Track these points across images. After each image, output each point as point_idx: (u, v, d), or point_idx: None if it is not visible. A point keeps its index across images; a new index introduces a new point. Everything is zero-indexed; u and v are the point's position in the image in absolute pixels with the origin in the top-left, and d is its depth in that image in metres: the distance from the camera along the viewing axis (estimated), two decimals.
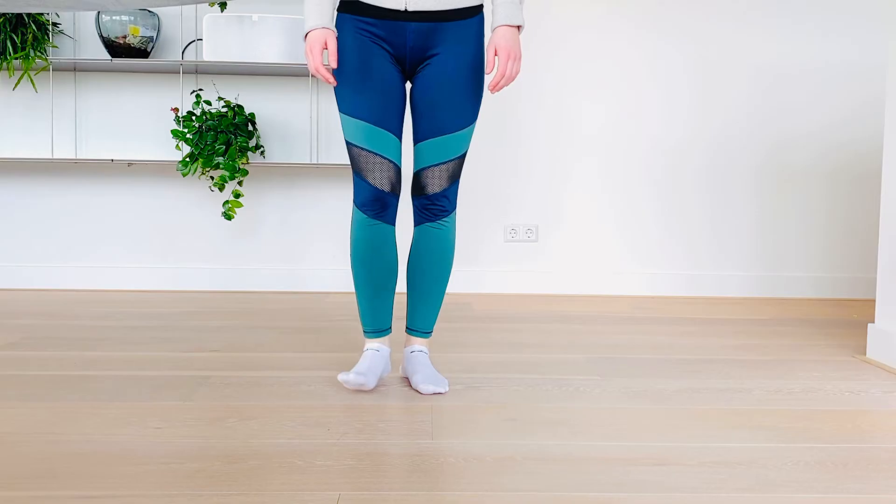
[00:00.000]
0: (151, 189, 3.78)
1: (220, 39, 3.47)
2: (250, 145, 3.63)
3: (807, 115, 3.84)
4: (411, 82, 1.96)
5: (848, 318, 3.25)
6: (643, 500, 1.33)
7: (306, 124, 3.79)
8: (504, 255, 3.85)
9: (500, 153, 3.81)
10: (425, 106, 1.91)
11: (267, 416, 1.77)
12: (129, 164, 3.68)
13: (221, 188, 3.48)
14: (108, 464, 1.46)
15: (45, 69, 3.63)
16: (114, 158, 3.66)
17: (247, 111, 3.75)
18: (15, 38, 3.41)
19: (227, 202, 3.49)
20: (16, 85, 3.53)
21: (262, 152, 3.74)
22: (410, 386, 2.04)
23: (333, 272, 3.81)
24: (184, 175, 3.47)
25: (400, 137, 1.94)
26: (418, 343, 2.09)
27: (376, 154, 1.89)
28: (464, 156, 1.97)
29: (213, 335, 2.68)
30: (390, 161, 1.90)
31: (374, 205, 1.92)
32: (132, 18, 3.49)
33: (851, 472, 1.48)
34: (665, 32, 3.79)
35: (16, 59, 3.43)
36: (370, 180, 1.90)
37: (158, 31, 3.57)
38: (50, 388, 1.98)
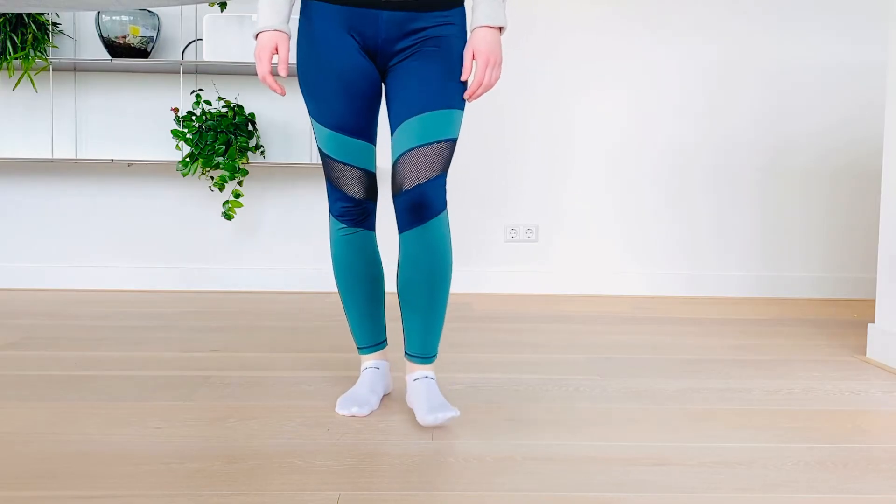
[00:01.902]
0: (151, 189, 3.78)
1: (220, 39, 3.48)
2: (250, 145, 3.63)
3: (808, 116, 3.84)
4: (384, 79, 1.75)
5: (848, 318, 3.25)
6: (643, 500, 1.33)
7: (306, 124, 3.79)
8: (504, 255, 3.85)
9: (500, 153, 3.81)
10: (402, 90, 1.69)
11: (267, 416, 1.77)
12: (129, 164, 3.68)
13: (221, 188, 3.48)
14: (108, 464, 1.46)
15: (45, 69, 3.62)
16: (114, 158, 3.66)
17: (247, 111, 3.75)
18: (15, 38, 3.41)
19: (227, 202, 3.49)
20: (16, 85, 3.52)
21: (262, 152, 3.74)
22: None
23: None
24: (184, 175, 3.47)
25: (374, 141, 1.77)
26: (422, 369, 1.79)
27: (347, 165, 1.74)
28: (452, 144, 1.69)
29: (213, 335, 2.68)
30: (363, 170, 1.77)
31: (352, 213, 1.79)
32: (132, 18, 3.49)
33: (851, 472, 1.47)
34: (666, 33, 3.79)
35: (16, 59, 3.43)
36: (345, 190, 1.77)
37: (158, 31, 3.57)
38: (50, 388, 1.98)
